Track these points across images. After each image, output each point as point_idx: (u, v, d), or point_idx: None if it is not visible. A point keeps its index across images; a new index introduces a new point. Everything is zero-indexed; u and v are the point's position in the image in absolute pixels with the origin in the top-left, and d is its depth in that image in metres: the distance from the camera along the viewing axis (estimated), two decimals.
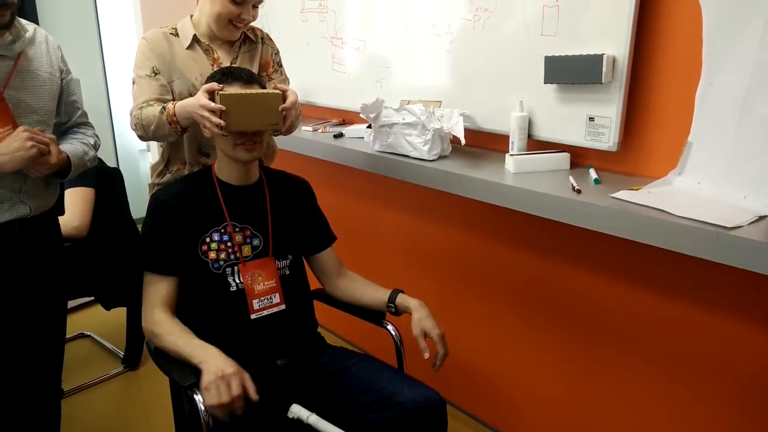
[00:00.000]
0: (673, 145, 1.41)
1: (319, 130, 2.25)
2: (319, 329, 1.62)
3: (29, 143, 1.33)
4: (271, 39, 1.79)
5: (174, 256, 1.40)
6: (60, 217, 2.04)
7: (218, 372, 1.17)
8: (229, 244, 1.43)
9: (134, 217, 2.43)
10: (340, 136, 2.14)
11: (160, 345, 1.34)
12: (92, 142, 1.63)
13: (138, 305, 2.44)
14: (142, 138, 1.58)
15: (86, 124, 1.66)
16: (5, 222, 1.41)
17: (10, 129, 1.37)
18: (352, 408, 1.37)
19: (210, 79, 1.43)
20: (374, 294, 1.55)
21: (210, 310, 1.43)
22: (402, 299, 1.49)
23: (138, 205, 2.42)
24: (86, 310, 2.92)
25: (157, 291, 1.39)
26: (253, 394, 1.19)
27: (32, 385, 1.56)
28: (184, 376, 1.28)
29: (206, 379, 1.17)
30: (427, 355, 1.39)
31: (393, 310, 1.50)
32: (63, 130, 1.62)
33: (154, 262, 1.41)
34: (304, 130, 2.26)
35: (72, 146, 1.54)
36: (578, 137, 1.54)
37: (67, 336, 2.65)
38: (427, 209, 2.09)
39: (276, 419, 1.29)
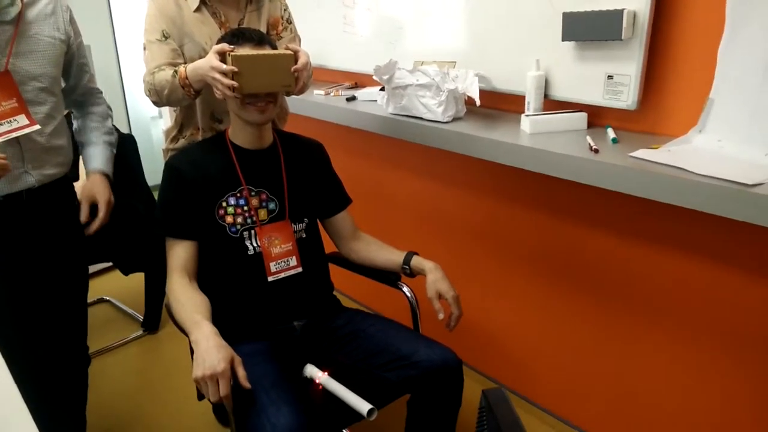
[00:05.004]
0: (693, 102, 1.38)
1: (332, 94, 2.23)
2: (335, 292, 1.64)
3: None
4: None
5: (191, 220, 1.41)
6: (75, 183, 2.07)
7: (208, 369, 1.12)
8: (245, 208, 1.44)
9: (148, 184, 2.43)
10: (352, 99, 2.12)
11: (170, 311, 1.36)
12: (109, 124, 1.64)
13: (155, 270, 2.48)
14: (156, 104, 1.57)
15: (96, 90, 1.64)
16: (12, 193, 1.40)
17: (15, 103, 1.35)
18: (369, 368, 1.39)
19: (221, 40, 1.41)
20: (389, 256, 1.56)
21: (228, 273, 1.45)
22: (417, 261, 1.49)
23: (151, 172, 2.43)
24: (105, 275, 2.97)
25: (176, 256, 1.41)
26: (245, 382, 1.16)
27: (58, 353, 1.58)
28: None
29: (195, 373, 1.14)
30: (441, 316, 1.41)
31: (408, 271, 1.51)
32: (74, 102, 1.60)
33: (171, 227, 1.42)
34: (317, 93, 2.24)
35: (101, 153, 1.59)
36: (596, 96, 1.51)
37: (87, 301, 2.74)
38: (442, 171, 2.08)
39: (293, 379, 1.32)
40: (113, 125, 1.70)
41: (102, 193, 1.54)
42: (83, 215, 1.52)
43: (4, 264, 1.43)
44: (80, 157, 2.11)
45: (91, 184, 1.55)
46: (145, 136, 4.04)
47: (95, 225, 1.52)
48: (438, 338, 1.42)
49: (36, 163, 1.42)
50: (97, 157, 1.59)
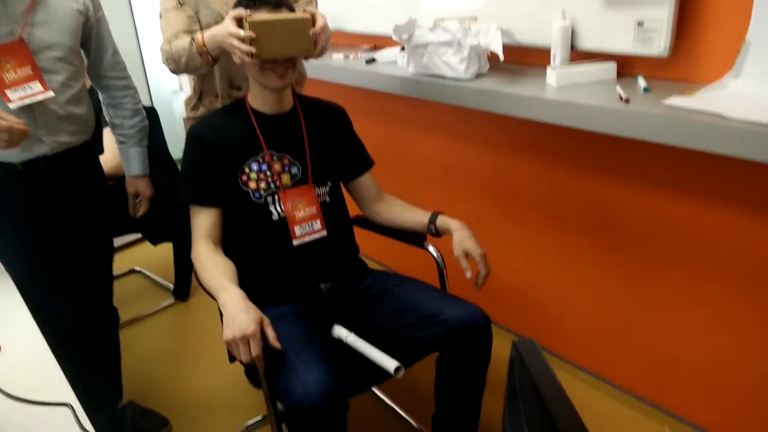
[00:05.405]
0: (728, 46, 1.31)
1: (351, 57, 2.19)
2: (360, 256, 1.63)
3: None
4: None
5: (214, 187, 1.41)
6: (100, 156, 2.09)
7: (238, 331, 1.13)
8: (268, 173, 1.44)
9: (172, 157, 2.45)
10: (372, 61, 2.08)
11: (197, 278, 1.37)
12: (140, 116, 1.69)
13: (183, 239, 2.51)
14: (174, 72, 1.56)
15: (121, 66, 1.63)
16: (29, 160, 1.42)
17: (29, 71, 1.36)
18: (397, 327, 1.39)
19: (237, 5, 1.39)
20: (414, 216, 1.54)
21: (254, 238, 1.45)
22: (442, 220, 1.48)
23: (173, 144, 2.44)
24: (135, 247, 3.04)
25: (200, 223, 1.41)
26: (275, 342, 1.17)
27: (88, 311, 1.62)
28: None
29: (226, 335, 1.14)
30: (469, 275, 1.40)
31: (433, 231, 1.49)
32: (101, 78, 1.60)
33: (195, 195, 1.42)
34: (335, 57, 2.21)
35: (137, 157, 1.71)
36: (625, 45, 1.45)
37: (119, 272, 2.80)
38: (466, 130, 2.04)
39: (322, 339, 1.33)
40: (141, 106, 1.72)
41: (145, 190, 1.77)
42: (131, 208, 1.79)
43: (31, 228, 1.47)
44: (102, 130, 2.15)
45: (135, 183, 1.76)
46: (167, 109, 4.05)
47: (140, 212, 1.80)
48: (466, 298, 1.41)
49: (48, 130, 1.43)
50: (134, 162, 1.73)
